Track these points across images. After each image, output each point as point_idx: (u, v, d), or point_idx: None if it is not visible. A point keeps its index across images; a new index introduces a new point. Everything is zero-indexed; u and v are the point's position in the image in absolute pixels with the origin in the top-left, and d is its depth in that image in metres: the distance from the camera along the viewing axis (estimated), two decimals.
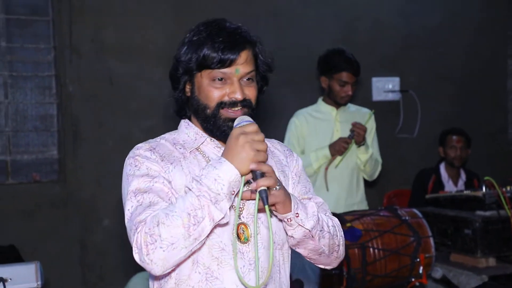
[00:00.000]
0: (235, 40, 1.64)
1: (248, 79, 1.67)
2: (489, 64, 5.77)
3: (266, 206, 1.47)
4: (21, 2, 4.29)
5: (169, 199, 1.64)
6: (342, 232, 1.80)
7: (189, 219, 1.50)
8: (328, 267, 1.84)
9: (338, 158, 3.86)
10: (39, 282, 2.77)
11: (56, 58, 4.28)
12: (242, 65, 1.65)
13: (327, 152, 3.81)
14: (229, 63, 1.60)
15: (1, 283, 2.72)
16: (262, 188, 1.47)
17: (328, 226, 1.71)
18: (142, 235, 1.50)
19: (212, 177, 1.50)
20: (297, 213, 1.60)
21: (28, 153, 4.31)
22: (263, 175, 1.50)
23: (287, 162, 1.87)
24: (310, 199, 1.78)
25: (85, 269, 4.00)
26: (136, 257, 1.49)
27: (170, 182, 1.66)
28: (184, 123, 1.80)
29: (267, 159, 1.58)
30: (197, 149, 1.75)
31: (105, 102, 4.26)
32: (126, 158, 1.70)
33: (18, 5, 4.26)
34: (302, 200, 1.70)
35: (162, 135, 1.80)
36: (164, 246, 1.49)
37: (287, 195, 1.57)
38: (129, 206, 1.60)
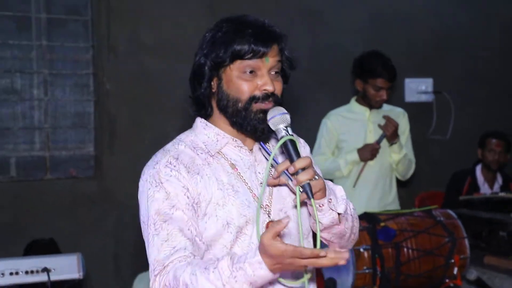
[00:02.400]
0: (266, 33, 1.56)
1: (276, 72, 1.58)
2: None
3: (312, 200, 1.41)
4: (61, 2, 4.19)
5: (188, 229, 1.57)
6: (357, 217, 1.75)
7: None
8: (344, 249, 1.70)
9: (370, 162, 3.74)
10: (81, 273, 2.75)
11: (94, 57, 4.20)
12: (272, 57, 1.56)
13: (356, 157, 3.68)
14: (261, 54, 1.51)
15: (46, 272, 2.68)
16: (306, 182, 1.41)
17: (350, 209, 1.67)
18: (162, 286, 1.47)
19: (244, 278, 1.39)
20: (330, 199, 1.55)
21: (66, 150, 4.21)
22: (303, 169, 1.42)
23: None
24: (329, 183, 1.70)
25: (119, 264, 3.91)
26: None
27: (199, 193, 1.59)
28: (201, 123, 1.67)
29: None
30: (219, 152, 1.64)
31: (141, 100, 4.20)
32: (146, 170, 1.62)
33: (58, 5, 4.16)
34: (329, 184, 1.63)
35: (179, 138, 1.67)
36: None
37: (323, 182, 1.51)
38: (151, 237, 1.56)
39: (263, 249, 1.34)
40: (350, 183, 3.74)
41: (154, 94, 4.17)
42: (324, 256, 1.30)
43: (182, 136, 1.64)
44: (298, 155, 1.45)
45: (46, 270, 2.69)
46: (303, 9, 4.63)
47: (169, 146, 1.62)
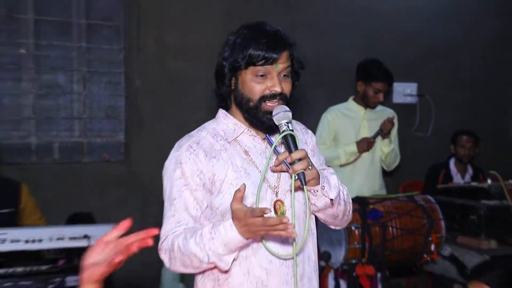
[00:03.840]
0: (277, 42, 1.64)
1: (285, 75, 1.67)
2: (498, 72, 5.83)
3: (305, 186, 1.51)
4: (97, 10, 4.38)
5: (194, 207, 1.69)
6: (350, 199, 1.83)
7: (198, 256, 1.60)
8: (338, 228, 1.88)
9: (365, 153, 3.92)
10: None
11: (125, 58, 4.39)
12: (282, 63, 1.66)
13: (354, 148, 3.83)
14: (271, 61, 1.61)
15: (86, 239, 2.80)
16: (300, 171, 1.51)
17: (344, 195, 1.73)
18: (163, 253, 1.66)
19: (221, 241, 1.55)
20: (323, 186, 1.62)
21: (100, 137, 4.38)
22: (300, 160, 1.53)
23: (305, 139, 1.86)
24: (324, 169, 1.79)
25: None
26: (164, 259, 1.66)
27: (213, 175, 1.68)
28: (222, 114, 1.78)
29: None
30: (236, 140, 1.74)
31: (164, 95, 4.33)
32: (172, 152, 1.74)
33: (95, 12, 4.35)
34: (325, 173, 1.72)
35: (203, 125, 1.79)
36: (176, 267, 1.68)
37: (317, 172, 1.59)
38: (165, 212, 1.71)
39: (233, 215, 1.50)
40: (348, 171, 3.94)
41: (176, 90, 4.28)
42: (288, 233, 1.47)
43: (206, 124, 1.77)
44: (296, 147, 1.55)
45: (86, 236, 2.82)
46: (306, 20, 4.81)
47: (194, 132, 1.75)
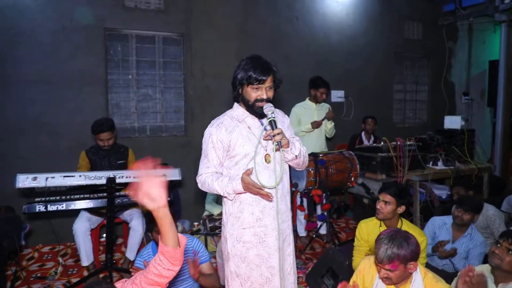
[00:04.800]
0: (265, 70, 1.77)
1: (270, 87, 1.81)
2: (385, 81, 6.13)
3: (280, 148, 1.74)
4: (170, 52, 4.71)
5: (216, 160, 1.85)
6: (308, 153, 2.19)
7: (218, 191, 1.82)
8: (300, 169, 2.06)
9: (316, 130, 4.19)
10: (180, 177, 3.16)
11: (184, 79, 4.80)
12: (268, 82, 1.79)
13: (310, 126, 4.12)
14: (262, 82, 1.77)
15: (164, 176, 2.19)
16: (278, 140, 1.72)
17: (303, 152, 1.93)
18: (198, 183, 1.90)
19: (232, 188, 1.78)
20: (291, 147, 1.82)
21: (171, 122, 4.80)
22: (278, 134, 1.71)
23: (283, 120, 2.01)
24: (294, 138, 1.96)
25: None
26: (199, 185, 1.93)
27: (230, 141, 1.81)
28: (236, 105, 1.90)
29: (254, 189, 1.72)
30: (243, 120, 1.85)
31: (205, 100, 4.70)
32: (207, 127, 1.92)
33: (168, 53, 4.70)
34: (292, 141, 1.87)
35: (225, 112, 1.94)
36: (206, 189, 1.90)
37: (288, 140, 1.77)
38: (201, 159, 1.89)
39: (242, 178, 1.73)
40: (306, 138, 4.13)
41: (211, 96, 4.68)
42: (266, 193, 1.70)
43: (227, 111, 1.92)
44: (276, 127, 1.72)
45: (164, 175, 2.17)
46: (283, 54, 5.16)
47: (220, 116, 1.93)
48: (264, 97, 1.76)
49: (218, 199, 4.16)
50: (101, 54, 4.22)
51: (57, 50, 4.04)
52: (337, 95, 5.54)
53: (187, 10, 4.52)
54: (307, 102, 4.21)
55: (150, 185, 1.25)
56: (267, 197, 1.68)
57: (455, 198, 3.52)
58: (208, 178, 1.81)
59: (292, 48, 5.20)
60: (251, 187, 1.66)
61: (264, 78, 1.73)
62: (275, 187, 1.78)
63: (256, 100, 1.76)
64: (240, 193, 1.78)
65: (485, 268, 2.14)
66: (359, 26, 5.68)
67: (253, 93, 1.76)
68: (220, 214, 3.90)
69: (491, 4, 5.71)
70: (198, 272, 2.25)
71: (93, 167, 3.40)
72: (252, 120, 1.84)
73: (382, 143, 4.08)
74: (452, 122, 4.53)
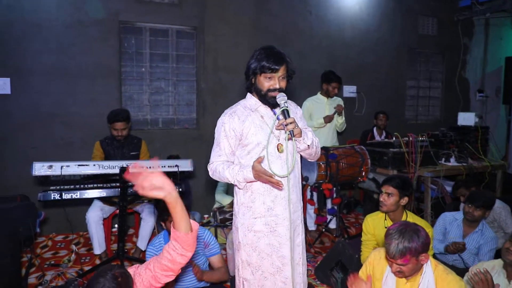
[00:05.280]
0: (278, 59, 1.78)
1: (282, 77, 1.81)
2: (399, 78, 6.10)
3: (293, 138, 1.75)
4: (183, 46, 4.74)
5: (228, 149, 1.85)
6: (320, 146, 1.99)
7: (229, 179, 1.83)
8: (312, 160, 2.06)
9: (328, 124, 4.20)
10: (192, 168, 3.16)
11: (197, 72, 4.84)
12: (280, 71, 1.79)
13: (322, 121, 4.14)
14: (275, 71, 1.77)
15: (177, 167, 3.03)
16: (291, 129, 1.72)
17: (315, 142, 1.93)
18: (210, 171, 1.91)
19: (242, 176, 1.80)
20: (303, 137, 1.81)
21: (183, 115, 4.87)
22: (291, 123, 1.71)
23: (295, 111, 2.01)
24: (307, 129, 1.96)
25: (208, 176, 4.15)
26: (210, 173, 1.94)
27: (242, 130, 1.82)
28: (249, 95, 1.91)
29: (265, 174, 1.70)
30: (256, 110, 1.87)
31: (217, 93, 4.75)
32: (221, 116, 1.93)
33: (181, 47, 4.73)
34: (305, 131, 1.88)
35: (238, 102, 1.95)
36: (216, 177, 1.91)
37: (300, 129, 1.78)
38: (213, 148, 1.91)
39: (253, 166, 1.73)
40: (319, 132, 4.15)
41: (223, 90, 4.72)
42: (276, 181, 1.67)
43: (240, 101, 1.93)
44: (289, 116, 1.73)
45: (177, 166, 3.05)
46: (296, 50, 5.15)
47: (233, 105, 1.93)
48: (277, 86, 1.76)
49: (228, 190, 4.19)
50: (115, 47, 4.28)
51: (72, 43, 4.11)
52: (349, 90, 5.52)
53: (201, 4, 4.55)
54: (319, 96, 4.23)
55: (151, 178, 1.30)
56: (277, 186, 1.67)
57: (462, 200, 3.47)
58: (219, 166, 1.83)
59: (305, 43, 5.19)
60: (261, 175, 1.67)
61: (277, 67, 1.74)
62: (286, 176, 1.78)
63: (269, 90, 1.77)
64: (251, 182, 1.79)
65: (497, 263, 2.13)
66: (373, 21, 5.63)
67: (265, 82, 1.77)
68: (230, 205, 3.95)
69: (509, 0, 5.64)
70: (200, 275, 2.28)
71: (107, 157, 3.44)
72: (265, 109, 1.85)
73: (394, 138, 4.05)
74: (466, 118, 4.49)
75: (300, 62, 5.00)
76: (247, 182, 1.80)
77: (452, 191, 3.81)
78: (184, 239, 1.44)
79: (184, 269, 2.30)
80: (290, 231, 1.88)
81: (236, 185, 1.84)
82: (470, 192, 3.04)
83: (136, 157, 3.48)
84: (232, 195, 4.03)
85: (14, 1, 3.88)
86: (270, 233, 1.88)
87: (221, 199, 4.11)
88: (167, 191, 1.34)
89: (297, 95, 4.36)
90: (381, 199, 2.60)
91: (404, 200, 2.60)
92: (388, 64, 5.84)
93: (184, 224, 1.43)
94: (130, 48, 4.44)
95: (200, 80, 4.70)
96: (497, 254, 2.49)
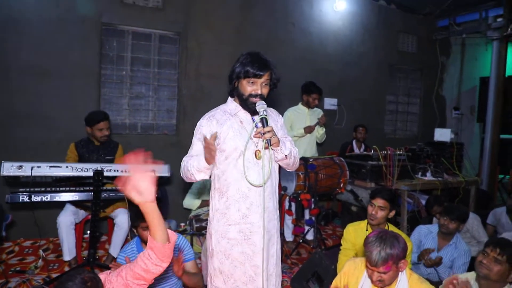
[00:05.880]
0: (263, 66, 1.77)
1: (265, 84, 1.81)
2: (378, 92, 6.21)
3: (270, 146, 1.74)
4: (165, 51, 4.72)
5: (203, 149, 1.78)
6: (298, 156, 1.98)
7: (193, 166, 1.81)
8: (290, 170, 2.09)
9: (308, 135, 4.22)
10: (169, 174, 3.10)
11: (178, 78, 4.79)
12: (264, 78, 1.78)
13: (302, 131, 4.14)
14: (258, 76, 1.77)
15: (153, 171, 2.78)
16: (268, 137, 1.71)
17: (294, 153, 1.92)
18: (181, 169, 1.92)
19: (197, 161, 1.77)
20: (281, 147, 1.82)
21: (163, 121, 4.81)
22: (269, 132, 1.69)
23: (276, 120, 2.01)
24: (286, 138, 1.96)
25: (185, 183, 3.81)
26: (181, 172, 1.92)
27: (220, 134, 1.79)
28: (229, 100, 1.90)
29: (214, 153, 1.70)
30: (236, 114, 1.85)
31: (198, 100, 4.73)
32: (200, 119, 1.90)
33: (163, 52, 4.72)
34: (283, 140, 1.89)
35: (219, 106, 1.94)
36: (183, 173, 1.89)
37: (278, 139, 1.78)
38: (188, 151, 1.92)
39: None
40: (299, 142, 4.17)
41: (205, 96, 4.71)
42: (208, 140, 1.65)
43: (221, 105, 1.93)
44: (267, 124, 1.72)
45: (153, 170, 2.41)
46: (280, 60, 4.58)
47: (213, 109, 1.92)
48: (259, 92, 1.76)
49: (201, 194, 4.13)
50: (95, 48, 4.20)
51: (51, 40, 3.99)
52: (330, 103, 5.58)
53: (185, 10, 4.54)
54: (300, 107, 4.24)
55: (139, 178, 1.25)
56: (211, 148, 1.62)
57: (437, 217, 3.50)
58: (187, 160, 1.83)
59: (288, 53, 5.23)
60: (205, 144, 1.65)
61: (261, 73, 1.74)
62: (262, 185, 1.75)
63: (250, 95, 1.77)
64: (204, 169, 1.74)
65: (470, 276, 2.14)
66: (355, 36, 5.74)
67: (248, 87, 1.77)
68: (202, 206, 3.93)
69: (484, 22, 5.87)
70: (182, 269, 2.21)
71: (81, 160, 3.33)
72: (244, 115, 1.83)
73: (373, 151, 4.11)
74: (442, 134, 4.57)
75: (282, 72, 4.29)
76: (201, 170, 1.74)
77: (426, 207, 3.88)
78: (160, 249, 1.40)
79: (161, 275, 2.25)
80: (263, 240, 1.83)
81: (194, 176, 1.78)
82: (446, 205, 3.11)
83: (111, 162, 3.39)
84: (203, 198, 4.02)
85: None
86: (244, 241, 1.85)
87: (190, 201, 4.06)
88: (145, 199, 1.28)
89: (279, 105, 4.35)
90: (372, 212, 2.59)
91: (392, 213, 2.61)
92: (369, 79, 5.94)
93: (160, 234, 1.38)
94: (112, 50, 4.37)
95: (182, 86, 4.66)
96: (471, 267, 2.52)
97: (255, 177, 1.78)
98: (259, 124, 1.73)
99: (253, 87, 1.77)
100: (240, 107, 1.83)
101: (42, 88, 4.01)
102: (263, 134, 1.68)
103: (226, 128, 1.79)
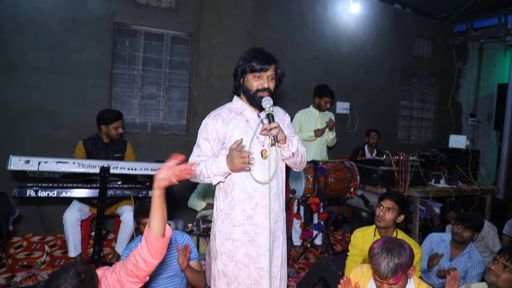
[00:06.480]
0: (267, 59, 1.76)
1: (271, 78, 1.78)
2: (391, 97, 6.15)
3: (276, 143, 1.72)
4: (177, 51, 4.74)
5: (209, 150, 1.78)
6: (306, 155, 1.92)
7: (203, 173, 1.74)
8: (297, 170, 2.00)
9: (318, 138, 4.16)
10: None
11: (189, 79, 4.84)
12: (269, 71, 1.76)
13: (313, 134, 4.11)
14: (264, 70, 1.75)
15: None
16: (274, 134, 1.69)
17: (301, 151, 1.88)
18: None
19: (216, 166, 1.72)
20: (288, 144, 1.77)
21: (173, 121, 4.84)
22: (275, 128, 1.67)
23: (283, 118, 1.98)
24: (293, 136, 1.92)
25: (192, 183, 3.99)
26: None
27: (226, 133, 1.76)
28: (235, 98, 1.88)
29: (247, 161, 1.66)
30: (241, 113, 1.82)
31: (209, 101, 4.68)
32: (206, 117, 1.86)
33: (174, 53, 4.74)
34: (290, 138, 1.86)
35: (224, 105, 1.90)
36: (192, 178, 1.80)
37: (285, 136, 1.75)
38: (194, 149, 1.85)
39: (228, 154, 1.69)
40: (309, 145, 4.15)
41: (215, 97, 4.64)
42: (247, 154, 1.63)
43: (226, 104, 1.91)
44: (273, 121, 1.70)
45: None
46: (290, 63, 5.13)
47: (218, 108, 1.89)
48: (266, 86, 1.74)
49: (206, 195, 4.11)
50: (108, 47, 4.25)
51: (65, 40, 4.07)
52: (342, 107, 5.52)
53: (198, 11, 4.55)
54: (311, 109, 4.23)
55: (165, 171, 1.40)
56: (248, 160, 1.60)
57: (452, 223, 3.41)
58: (199, 162, 1.75)
59: (301, 56, 5.21)
60: (232, 154, 1.61)
61: (266, 66, 1.72)
62: (268, 183, 1.71)
63: (258, 90, 1.74)
64: (224, 175, 1.73)
65: (482, 287, 2.09)
66: (369, 39, 5.69)
67: (254, 82, 1.75)
68: (206, 209, 3.91)
69: (503, 27, 5.71)
70: (187, 260, 2.21)
71: (89, 158, 3.29)
72: (251, 113, 1.81)
73: (384, 156, 4.00)
74: (457, 141, 4.47)
75: (295, 75, 5.02)
76: (222, 176, 1.72)
77: (441, 213, 3.77)
78: (153, 242, 1.38)
79: (164, 274, 2.25)
80: (269, 242, 1.79)
81: (211, 181, 1.75)
82: (460, 213, 3.00)
83: (120, 159, 3.39)
84: (208, 201, 4.00)
85: None
86: (249, 242, 1.80)
87: (194, 202, 4.06)
88: (155, 185, 1.37)
89: (291, 107, 4.11)
90: (380, 213, 2.54)
91: (401, 218, 2.56)
92: (383, 83, 5.89)
93: (157, 226, 1.38)
94: (124, 50, 4.41)
95: (193, 87, 4.69)
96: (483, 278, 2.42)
97: (260, 176, 1.75)
98: (265, 121, 1.70)
99: (260, 81, 1.74)
100: (246, 105, 1.81)
101: (55, 85, 4.05)
102: (269, 130, 1.65)
103: (232, 127, 1.76)
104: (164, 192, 1.41)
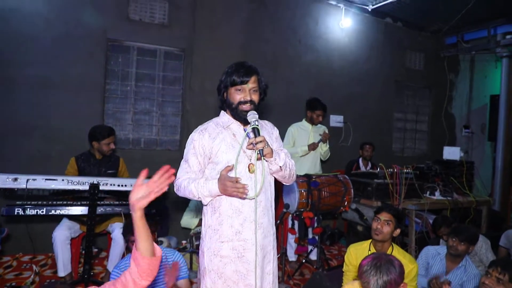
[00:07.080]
0: (248, 71, 1.77)
1: (254, 90, 1.79)
2: (385, 109, 6.20)
3: (262, 157, 1.71)
4: (170, 66, 4.77)
5: (196, 166, 1.79)
6: (295, 168, 1.91)
7: (193, 193, 1.75)
8: (287, 184, 1.97)
9: (312, 152, 4.16)
10: (166, 188, 2.98)
11: (182, 94, 4.85)
12: (251, 83, 1.77)
13: (306, 148, 4.10)
14: (245, 82, 1.75)
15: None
16: (260, 148, 1.68)
17: (290, 165, 1.87)
18: (175, 186, 1.81)
19: (207, 188, 1.72)
20: (275, 158, 1.77)
21: (166, 136, 4.83)
22: (261, 142, 1.66)
23: (271, 131, 1.98)
24: (281, 150, 1.91)
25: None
26: (174, 189, 1.83)
27: (212, 147, 1.76)
28: (222, 113, 1.89)
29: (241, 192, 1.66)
30: (228, 127, 1.83)
31: (202, 116, 4.24)
32: (192, 132, 1.86)
33: (168, 68, 4.76)
34: (277, 151, 1.85)
35: (212, 119, 1.89)
36: (181, 193, 1.82)
37: (271, 149, 1.74)
38: (181, 164, 1.87)
39: (219, 177, 1.69)
40: (302, 159, 4.11)
41: (209, 112, 4.32)
42: (242, 186, 1.62)
43: (214, 118, 1.91)
44: (259, 134, 1.69)
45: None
46: (283, 77, 5.20)
47: (205, 123, 1.89)
48: (248, 98, 1.74)
49: (199, 211, 4.06)
50: (101, 63, 4.25)
51: (58, 55, 4.06)
52: (336, 120, 5.53)
53: (191, 26, 4.57)
54: (304, 123, 4.22)
55: (143, 188, 1.34)
56: (243, 191, 1.60)
57: (444, 239, 3.38)
58: (184, 181, 1.76)
59: (294, 70, 5.24)
60: (225, 182, 1.61)
61: (246, 78, 1.73)
62: (254, 198, 1.70)
63: (240, 103, 1.74)
64: (215, 196, 1.73)
65: None
66: (361, 53, 5.75)
67: (237, 95, 1.75)
68: (200, 225, 3.81)
69: (493, 39, 5.80)
70: (173, 280, 2.14)
71: (81, 175, 3.27)
72: (237, 127, 1.81)
73: (379, 169, 3.99)
74: (451, 153, 4.50)
75: (288, 89, 5.06)
76: (212, 197, 1.73)
77: (433, 229, 3.75)
78: (141, 262, 1.33)
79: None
80: (256, 257, 1.76)
81: (201, 201, 1.76)
82: (454, 226, 2.97)
83: (113, 176, 3.37)
84: (201, 217, 3.97)
85: (1, 12, 3.82)
86: (237, 259, 1.77)
87: (188, 220, 3.98)
88: (134, 207, 1.31)
89: (284, 120, 4.36)
90: (377, 226, 2.53)
91: (397, 232, 2.55)
92: (376, 96, 5.92)
93: (145, 248, 1.34)
94: (117, 66, 4.41)
95: (186, 102, 4.68)
96: None
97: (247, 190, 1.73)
98: (251, 134, 1.70)
99: (242, 94, 1.75)
100: (233, 119, 1.80)
101: (47, 100, 4.04)
102: (255, 144, 1.64)
103: (218, 142, 1.76)
104: (144, 213, 1.36)
